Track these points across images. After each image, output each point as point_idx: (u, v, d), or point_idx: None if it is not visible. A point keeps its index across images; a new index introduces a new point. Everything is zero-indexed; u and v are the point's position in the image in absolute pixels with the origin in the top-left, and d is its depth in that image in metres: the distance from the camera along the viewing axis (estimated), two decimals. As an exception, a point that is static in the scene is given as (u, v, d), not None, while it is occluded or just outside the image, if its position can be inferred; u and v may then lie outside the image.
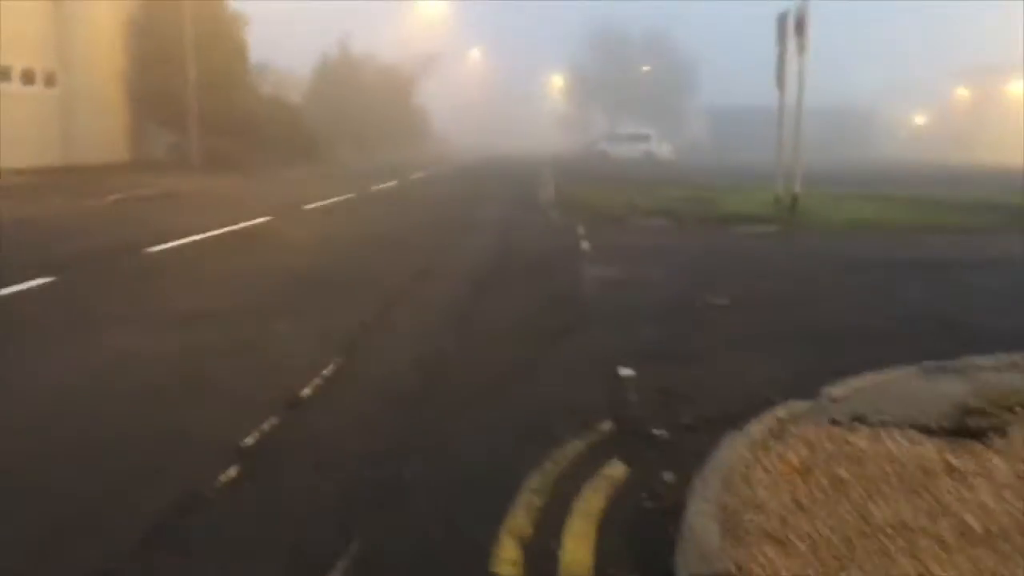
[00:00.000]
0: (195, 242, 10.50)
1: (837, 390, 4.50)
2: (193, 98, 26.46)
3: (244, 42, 32.47)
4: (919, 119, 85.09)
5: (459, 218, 14.88)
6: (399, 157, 43.75)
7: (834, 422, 3.92)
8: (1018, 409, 3.99)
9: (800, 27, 14.14)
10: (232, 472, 3.52)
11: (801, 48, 14.19)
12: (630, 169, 34.71)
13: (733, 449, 3.63)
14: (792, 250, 11.96)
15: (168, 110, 27.77)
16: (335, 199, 17.26)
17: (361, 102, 53.06)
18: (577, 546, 2.99)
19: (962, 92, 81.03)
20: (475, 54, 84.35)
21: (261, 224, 12.60)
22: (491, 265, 9.68)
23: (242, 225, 12.23)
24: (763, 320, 6.89)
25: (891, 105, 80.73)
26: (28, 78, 23.38)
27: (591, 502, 3.34)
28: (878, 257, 11.05)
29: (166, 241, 10.17)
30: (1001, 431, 3.77)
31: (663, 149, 51.13)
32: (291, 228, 12.43)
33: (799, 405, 4.24)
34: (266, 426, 4.05)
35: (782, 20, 15.03)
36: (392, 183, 23.46)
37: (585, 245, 11.39)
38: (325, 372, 4.98)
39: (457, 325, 6.52)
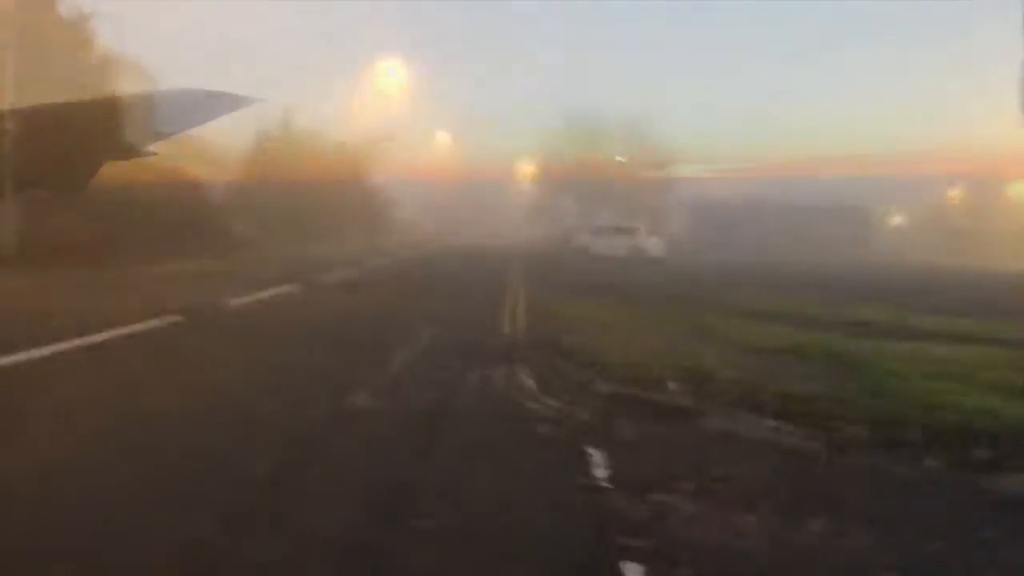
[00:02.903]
0: None
1: None
2: (6, 162, 18.41)
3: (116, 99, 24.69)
4: (897, 218, 78.72)
5: (331, 402, 6.67)
6: (339, 248, 35.96)
7: None
8: None
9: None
10: None
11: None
12: (626, 271, 26.84)
13: None
14: None
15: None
16: (125, 331, 8.98)
17: (304, 183, 45.72)
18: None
19: (953, 191, 75.81)
20: (443, 138, 78.05)
21: None
22: None
23: None
24: None
25: (874, 203, 74.16)
26: None
27: None
28: None
29: None
30: None
31: (653, 244, 43.62)
32: None
33: None
34: None
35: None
36: (292, 289, 15.39)
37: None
38: None
39: None
